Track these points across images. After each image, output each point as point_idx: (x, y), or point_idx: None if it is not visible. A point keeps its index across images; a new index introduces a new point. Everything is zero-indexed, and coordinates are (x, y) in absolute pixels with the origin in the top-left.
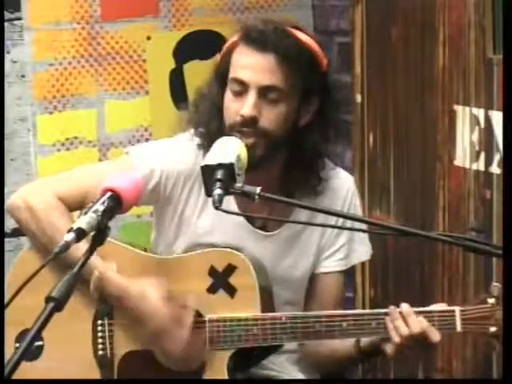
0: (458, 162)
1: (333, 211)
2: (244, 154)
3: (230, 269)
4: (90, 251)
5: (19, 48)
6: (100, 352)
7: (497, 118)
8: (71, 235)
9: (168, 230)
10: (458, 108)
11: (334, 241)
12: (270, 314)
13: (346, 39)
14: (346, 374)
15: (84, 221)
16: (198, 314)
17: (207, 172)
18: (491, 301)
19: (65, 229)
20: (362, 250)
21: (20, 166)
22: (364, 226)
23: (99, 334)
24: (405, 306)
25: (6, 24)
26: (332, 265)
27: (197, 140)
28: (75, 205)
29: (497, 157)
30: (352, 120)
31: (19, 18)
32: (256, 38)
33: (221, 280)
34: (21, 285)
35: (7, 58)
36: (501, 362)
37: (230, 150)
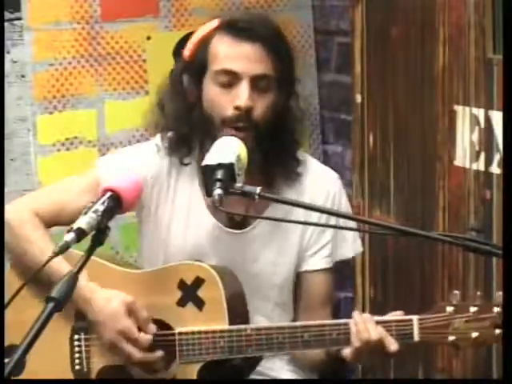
0: (458, 162)
1: (327, 210)
2: (244, 153)
3: (198, 282)
4: (90, 251)
5: (19, 48)
6: (77, 367)
7: (497, 118)
8: (71, 235)
9: (147, 237)
10: (458, 108)
11: (318, 238)
12: (236, 327)
13: (346, 39)
14: (346, 374)
15: (84, 221)
16: (168, 327)
17: (207, 172)
18: (449, 309)
19: (38, 241)
20: (347, 246)
21: (20, 166)
22: (350, 223)
23: (76, 349)
24: (366, 314)
25: (6, 24)
26: (317, 263)
27: (164, 145)
28: (50, 220)
29: (497, 157)
30: (352, 120)
31: (19, 18)
32: (243, 28)
33: (190, 293)
34: (20, 286)
35: (7, 58)
36: (501, 361)
37: (230, 150)
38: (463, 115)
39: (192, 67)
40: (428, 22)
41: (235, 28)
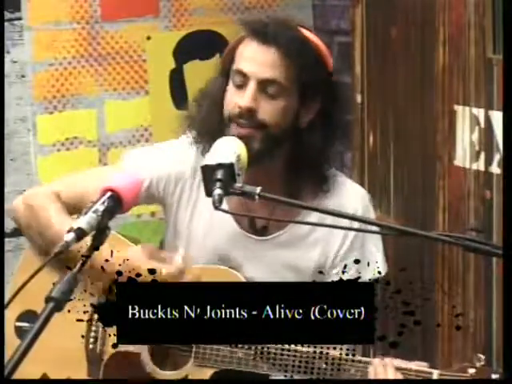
0: (458, 162)
1: (336, 212)
2: (244, 153)
3: None
4: (90, 251)
5: (19, 48)
6: (91, 345)
7: (497, 118)
8: (71, 235)
9: (169, 230)
10: (458, 108)
11: (345, 256)
12: None
13: (346, 39)
14: None
15: (84, 221)
16: None
17: (207, 172)
18: (471, 371)
19: (59, 223)
20: (374, 266)
21: (20, 166)
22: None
23: (93, 328)
24: (387, 358)
25: (6, 24)
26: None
27: (193, 140)
28: (70, 207)
29: (497, 157)
30: (352, 120)
31: (19, 18)
32: (259, 31)
33: None
34: (20, 285)
35: (7, 58)
36: (501, 361)
37: (230, 150)
38: (463, 115)
39: (222, 67)
40: (428, 22)
41: (254, 31)
